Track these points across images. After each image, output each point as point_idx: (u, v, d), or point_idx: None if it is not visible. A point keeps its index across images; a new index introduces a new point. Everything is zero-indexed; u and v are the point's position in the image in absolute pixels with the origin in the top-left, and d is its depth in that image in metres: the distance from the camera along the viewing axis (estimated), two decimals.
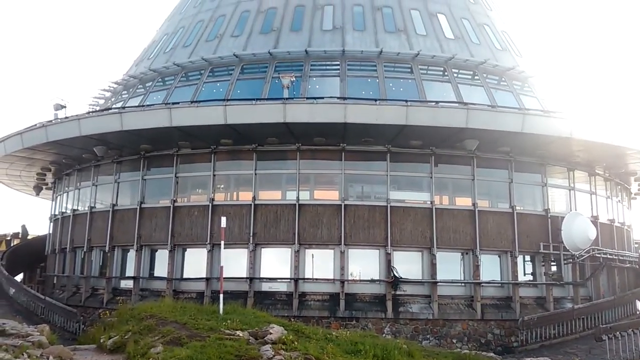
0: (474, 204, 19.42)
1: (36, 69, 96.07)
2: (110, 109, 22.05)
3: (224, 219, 14.63)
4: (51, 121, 20.63)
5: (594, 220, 21.53)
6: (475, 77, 21.88)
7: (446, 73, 21.73)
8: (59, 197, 26.55)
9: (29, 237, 31.58)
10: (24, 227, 32.05)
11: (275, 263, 19.21)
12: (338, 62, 21.77)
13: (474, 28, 24.04)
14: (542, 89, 23.06)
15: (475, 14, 24.94)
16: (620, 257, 22.77)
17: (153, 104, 20.54)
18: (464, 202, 20.04)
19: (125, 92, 24.62)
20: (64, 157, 22.76)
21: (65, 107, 21.43)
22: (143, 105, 21.21)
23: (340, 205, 18.80)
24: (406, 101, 18.17)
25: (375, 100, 18.86)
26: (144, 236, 20.44)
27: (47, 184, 28.23)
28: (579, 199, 21.71)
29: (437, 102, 19.11)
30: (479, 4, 25.72)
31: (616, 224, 23.85)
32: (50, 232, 26.70)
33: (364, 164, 19.81)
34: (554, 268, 20.27)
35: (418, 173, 19.83)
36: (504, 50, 24.02)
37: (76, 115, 20.01)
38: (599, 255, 20.96)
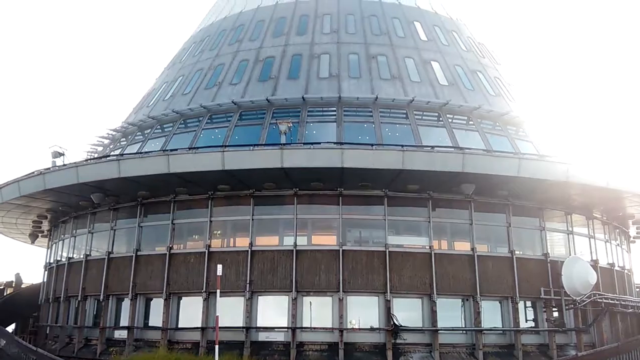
0: (472, 249, 19.27)
1: (34, 117, 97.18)
2: (109, 156, 22.19)
3: (220, 267, 14.47)
4: (49, 169, 20.68)
5: (594, 264, 21.34)
6: (470, 122, 22.18)
7: (441, 118, 22.03)
8: (54, 245, 26.30)
9: (22, 286, 31.08)
10: (18, 275, 31.61)
11: (273, 311, 18.84)
12: (335, 108, 22.08)
13: (467, 75, 24.59)
14: (537, 132, 23.34)
15: (468, 61, 25.55)
16: (623, 302, 22.43)
17: (151, 151, 20.64)
18: (462, 246, 19.90)
19: (124, 139, 24.82)
20: (61, 205, 22.69)
21: (63, 154, 21.52)
22: (141, 152, 21.32)
23: (338, 250, 18.63)
24: (402, 146, 18.31)
25: (372, 145, 19.00)
26: (139, 284, 20.12)
27: (42, 232, 28.02)
28: (578, 243, 21.58)
29: (433, 146, 19.27)
30: (471, 52, 26.39)
31: (616, 268, 23.61)
32: (45, 280, 26.30)
33: (362, 209, 19.77)
34: (555, 314, 19.92)
35: (416, 217, 19.75)
36: (497, 95, 24.48)
37: (74, 163, 20.07)
38: (600, 300, 20.65)
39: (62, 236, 25.18)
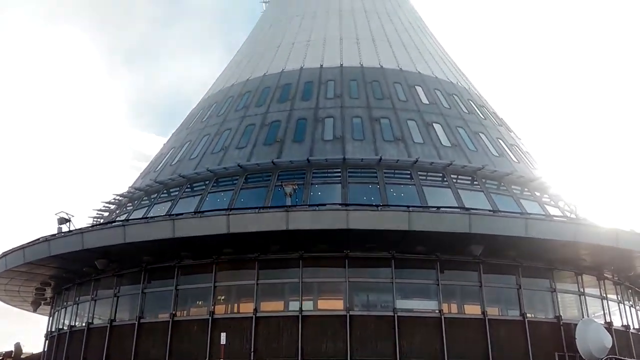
0: (483, 312, 18.76)
1: (41, 183, 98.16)
2: (114, 221, 22.22)
3: (223, 336, 14.11)
4: (54, 235, 20.67)
5: (608, 326, 20.65)
6: (475, 183, 22.24)
7: (445, 179, 22.12)
8: (56, 312, 25.83)
9: (22, 356, 30.27)
10: (17, 345, 30.84)
11: None
12: (339, 170, 22.27)
13: (469, 136, 24.92)
14: (542, 192, 23.33)
15: (470, 122, 25.99)
16: None
17: (156, 216, 20.69)
18: (473, 309, 19.37)
19: (130, 204, 24.97)
20: (65, 272, 22.49)
21: (69, 220, 21.58)
22: (147, 217, 21.35)
23: (346, 315, 18.17)
24: (408, 207, 18.30)
25: (378, 206, 19.01)
26: (142, 354, 19.55)
27: (45, 299, 27.62)
28: (590, 304, 21.00)
29: (438, 207, 19.24)
30: (473, 114, 26.89)
31: (632, 330, 22.83)
32: (45, 350, 25.63)
33: (369, 271, 19.43)
34: None
35: (424, 280, 19.39)
36: (501, 156, 24.69)
37: (79, 229, 20.11)
38: None
39: (65, 303, 24.77)
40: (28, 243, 20.96)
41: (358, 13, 32.21)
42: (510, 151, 25.57)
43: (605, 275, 22.43)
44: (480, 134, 25.51)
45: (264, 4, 41.06)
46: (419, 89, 27.08)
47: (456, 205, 20.34)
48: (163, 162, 26.82)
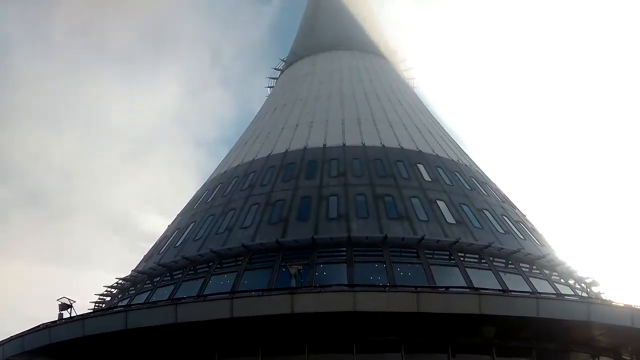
0: None
1: (44, 266, 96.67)
2: (116, 307, 21.79)
3: None
4: (55, 322, 20.18)
5: None
6: (482, 261, 21.99)
7: (452, 257, 21.89)
8: None
9: None
10: None
11: None
12: (344, 249, 22.12)
13: (474, 213, 24.93)
14: (552, 270, 22.98)
15: (474, 200, 26.08)
16: None
17: (158, 300, 20.31)
18: None
19: (133, 288, 24.63)
20: None
21: (71, 306, 21.11)
22: (148, 302, 20.96)
23: None
24: (416, 287, 18.00)
25: (385, 287, 18.69)
26: None
27: None
28: None
29: (447, 287, 18.90)
30: (476, 191, 27.05)
31: None
32: None
33: (378, 357, 18.73)
34: None
35: None
36: (507, 233, 24.56)
37: (81, 315, 19.67)
38: None
39: None
40: (27, 331, 20.41)
41: (359, 96, 33.36)
42: (516, 228, 25.47)
43: (623, 357, 21.52)
44: (484, 210, 25.53)
45: (268, 88, 42.71)
46: (421, 167, 27.43)
47: (465, 284, 20.01)
48: (167, 244, 26.73)
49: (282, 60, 42.41)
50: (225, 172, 30.51)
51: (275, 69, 42.55)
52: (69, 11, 75.76)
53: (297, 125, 31.21)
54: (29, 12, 78.15)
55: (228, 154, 33.95)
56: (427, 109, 36.13)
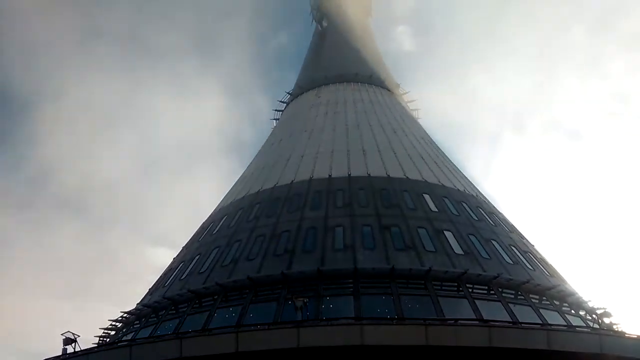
0: None
1: (48, 299, 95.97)
2: (120, 341, 21.54)
3: None
4: (59, 357, 19.98)
5: None
6: (491, 292, 21.67)
7: (461, 288, 21.59)
8: None
9: None
10: None
11: None
12: (351, 280, 21.89)
13: (482, 243, 24.69)
14: (562, 301, 22.60)
15: (481, 230, 25.87)
16: None
17: (163, 335, 20.09)
18: None
19: (138, 321, 24.38)
20: None
21: (75, 340, 20.89)
22: (153, 337, 20.72)
23: None
24: (424, 320, 17.73)
25: (393, 319, 18.41)
26: None
27: None
28: None
29: (456, 320, 18.57)
30: (483, 221, 26.85)
31: None
32: None
33: None
34: None
35: None
36: (516, 263, 24.27)
37: (84, 350, 19.46)
38: None
39: None
40: None
41: (364, 127, 33.56)
42: (525, 258, 25.17)
43: None
44: (492, 241, 25.29)
45: (273, 121, 43.10)
46: (427, 197, 27.33)
47: (474, 316, 19.67)
48: (172, 276, 26.58)
49: (288, 93, 42.96)
50: (231, 203, 30.54)
51: (280, 101, 43.10)
52: (115, 18, 76.32)
53: (302, 157, 31.35)
54: (77, 22, 79.19)
55: (234, 185, 34.05)
56: (431, 139, 36.27)
